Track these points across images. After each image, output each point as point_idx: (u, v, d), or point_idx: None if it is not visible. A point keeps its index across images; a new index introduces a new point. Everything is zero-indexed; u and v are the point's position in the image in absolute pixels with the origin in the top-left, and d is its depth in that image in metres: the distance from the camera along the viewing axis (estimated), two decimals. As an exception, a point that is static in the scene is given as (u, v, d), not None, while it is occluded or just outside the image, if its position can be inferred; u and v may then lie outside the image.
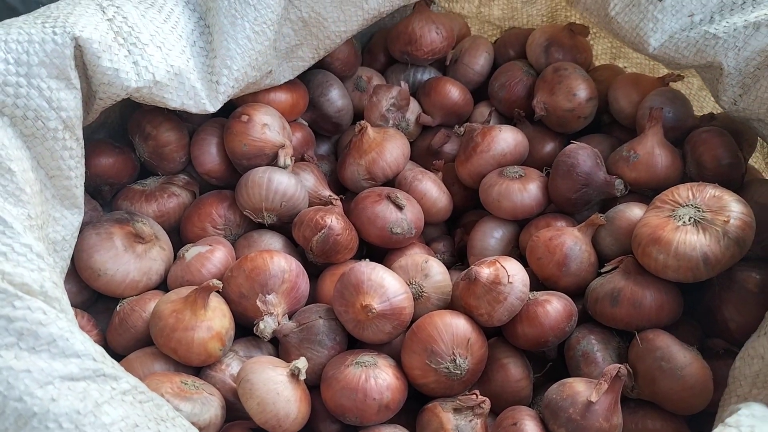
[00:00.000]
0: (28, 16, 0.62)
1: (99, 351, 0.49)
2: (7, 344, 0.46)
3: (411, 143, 0.98)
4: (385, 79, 1.03)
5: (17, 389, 0.45)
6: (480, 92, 1.01)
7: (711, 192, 0.67)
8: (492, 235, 0.83)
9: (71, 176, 0.64)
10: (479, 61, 0.99)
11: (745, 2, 0.73)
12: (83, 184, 0.66)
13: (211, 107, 0.73)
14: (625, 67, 0.97)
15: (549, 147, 0.91)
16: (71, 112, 0.61)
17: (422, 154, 0.97)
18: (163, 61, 0.67)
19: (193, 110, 0.72)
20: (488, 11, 1.02)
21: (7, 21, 0.60)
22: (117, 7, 0.67)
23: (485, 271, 0.68)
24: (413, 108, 0.97)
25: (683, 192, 0.68)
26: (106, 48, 0.62)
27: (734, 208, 0.65)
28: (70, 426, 0.45)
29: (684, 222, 0.65)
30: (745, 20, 0.71)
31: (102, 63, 0.62)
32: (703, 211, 0.65)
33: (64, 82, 0.60)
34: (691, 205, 0.67)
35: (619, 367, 0.60)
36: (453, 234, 0.91)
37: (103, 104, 0.66)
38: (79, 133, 0.64)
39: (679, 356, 0.62)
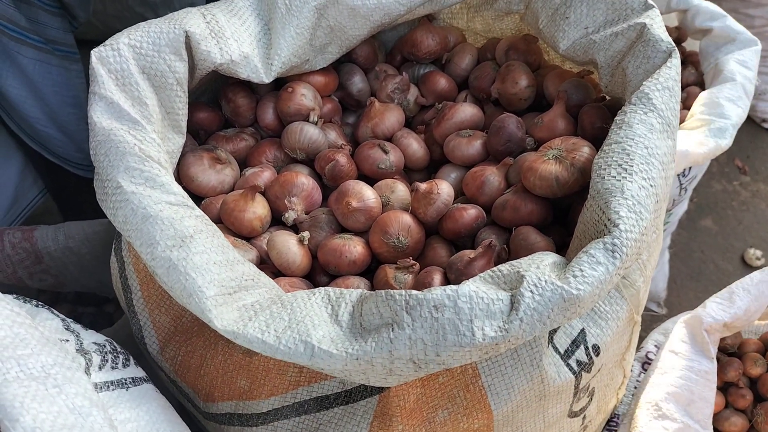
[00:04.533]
0: (162, 18, 1.07)
1: (185, 194, 0.92)
2: (139, 182, 0.89)
3: (411, 117, 1.38)
4: (399, 72, 1.43)
5: (144, 203, 0.88)
6: (465, 84, 1.39)
7: (573, 141, 1.03)
8: (449, 175, 1.21)
9: (179, 114, 1.08)
10: (465, 61, 1.37)
11: (618, 19, 1.08)
12: (186, 120, 1.10)
13: (267, 79, 1.15)
14: (570, 68, 1.33)
15: (504, 121, 1.27)
16: (181, 74, 1.06)
17: (418, 125, 1.37)
18: (237, 49, 1.11)
19: (255, 80, 1.15)
20: (473, 26, 1.40)
21: (149, 20, 1.06)
22: (213, 15, 1.11)
23: (423, 185, 1.07)
24: (413, 92, 1.36)
25: (556, 141, 1.04)
26: (203, 38, 1.07)
27: (583, 150, 1.00)
28: (168, 223, 0.87)
29: (548, 158, 1.01)
30: (612, 31, 1.06)
31: (201, 47, 1.06)
32: (562, 152, 1.01)
33: (178, 57, 1.04)
34: (557, 148, 1.03)
35: (491, 240, 0.97)
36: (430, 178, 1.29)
37: (201, 73, 1.10)
38: (186, 88, 1.07)
39: (532, 237, 0.98)
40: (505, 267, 0.83)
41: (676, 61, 0.95)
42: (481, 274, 0.83)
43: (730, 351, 1.48)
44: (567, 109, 1.14)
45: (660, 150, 0.88)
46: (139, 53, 1.01)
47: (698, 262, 2.33)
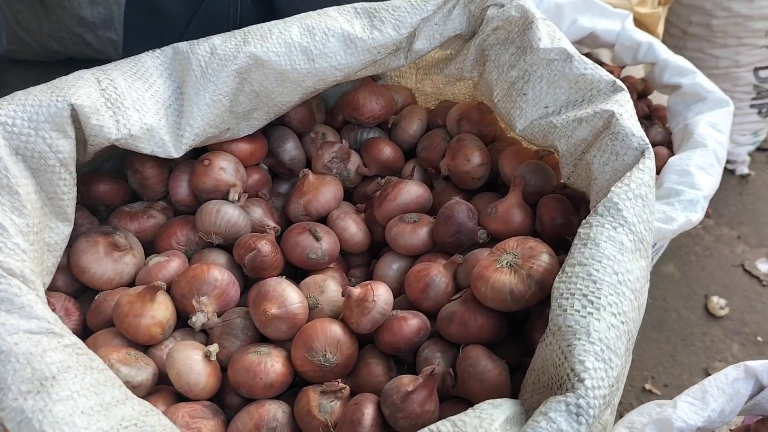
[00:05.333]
0: (43, 86, 0.89)
1: (53, 317, 0.74)
2: (-9, 306, 0.72)
3: (353, 188, 1.22)
4: (340, 135, 1.27)
5: (-6, 335, 0.70)
6: (413, 151, 1.24)
7: (530, 244, 0.88)
8: (390, 266, 1.05)
9: (64, 198, 0.90)
10: (413, 126, 1.22)
11: (583, 100, 0.93)
12: (74, 205, 0.92)
13: (176, 154, 0.98)
14: (517, 145, 1.18)
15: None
16: (66, 154, 0.87)
17: (361, 198, 1.21)
18: (138, 120, 0.93)
19: (161, 155, 0.97)
20: (422, 87, 1.25)
21: (28, 89, 0.88)
22: (110, 80, 0.94)
23: (356, 291, 0.91)
24: (354, 160, 1.20)
25: (511, 243, 0.89)
26: (95, 111, 0.89)
27: (542, 258, 0.85)
28: (24, 361, 0.69)
29: (502, 265, 0.86)
30: (576, 115, 0.92)
31: (90, 122, 0.88)
32: (518, 258, 0.86)
33: (62, 134, 0.86)
34: (512, 253, 0.87)
35: (433, 367, 0.80)
36: (371, 263, 1.14)
37: (93, 148, 0.92)
38: (72, 168, 0.90)
39: (482, 363, 0.82)
40: (446, 427, 0.67)
41: (650, 162, 0.81)
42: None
43: (699, 452, 1.35)
44: (524, 196, 0.99)
45: (632, 275, 0.74)
46: (11, 132, 0.83)
47: (660, 310, 2.23)
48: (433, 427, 0.68)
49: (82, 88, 0.89)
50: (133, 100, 0.94)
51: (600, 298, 0.70)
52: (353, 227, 1.09)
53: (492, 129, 1.16)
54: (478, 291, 0.87)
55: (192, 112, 0.98)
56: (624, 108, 0.87)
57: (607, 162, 0.85)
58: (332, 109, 1.31)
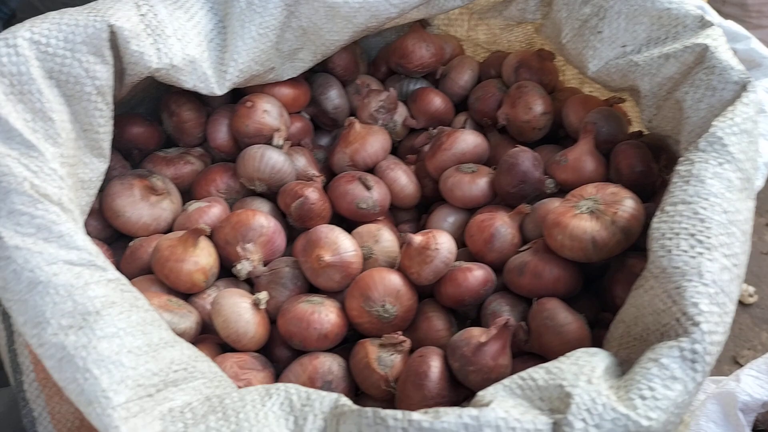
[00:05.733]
0: (79, 8, 0.81)
1: (95, 249, 0.67)
2: (28, 233, 0.64)
3: (398, 142, 1.14)
4: (384, 87, 1.19)
5: (31, 263, 0.62)
6: (463, 104, 1.16)
7: (611, 190, 0.80)
8: (446, 219, 0.98)
9: (100, 131, 0.82)
10: (464, 77, 1.14)
11: (667, 38, 0.85)
12: (110, 140, 0.84)
13: (219, 91, 0.91)
14: (590, 92, 1.10)
15: (510, 153, 1.04)
16: (103, 81, 0.80)
17: (407, 152, 1.13)
18: (180, 51, 0.86)
19: (204, 91, 0.90)
20: (475, 35, 1.17)
21: (63, 9, 0.80)
22: (150, 6, 0.86)
23: (418, 238, 0.83)
24: (401, 112, 1.13)
25: (589, 188, 0.82)
26: (135, 35, 0.81)
27: (626, 203, 0.78)
28: (65, 293, 0.62)
29: (582, 211, 0.79)
30: (661, 51, 0.84)
31: (131, 47, 0.81)
32: (599, 204, 0.79)
33: (100, 58, 0.78)
34: (592, 199, 0.80)
35: (508, 318, 0.73)
36: (421, 219, 1.06)
37: (131, 80, 0.85)
38: (110, 99, 0.82)
39: (561, 316, 0.75)
40: (539, 374, 0.60)
41: (753, 95, 0.73)
42: (506, 383, 0.60)
43: (760, 429, 1.27)
44: (596, 144, 0.92)
45: (741, 215, 0.66)
46: (44, 52, 0.75)
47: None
48: (524, 373, 0.60)
49: (121, 10, 0.81)
50: (175, 29, 0.86)
51: (710, 238, 0.63)
52: (404, 178, 1.01)
53: (553, 77, 1.08)
54: (554, 240, 0.79)
55: (237, 46, 0.90)
56: (717, 42, 0.79)
57: (701, 98, 0.77)
58: (374, 60, 1.23)
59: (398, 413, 0.55)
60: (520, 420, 0.54)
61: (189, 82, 0.88)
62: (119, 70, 0.83)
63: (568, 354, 0.63)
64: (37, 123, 0.73)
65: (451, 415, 0.54)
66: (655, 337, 0.63)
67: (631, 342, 0.68)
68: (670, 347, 0.58)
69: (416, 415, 0.54)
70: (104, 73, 0.80)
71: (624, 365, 0.64)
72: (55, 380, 0.60)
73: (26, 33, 0.74)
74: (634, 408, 0.54)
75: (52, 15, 0.78)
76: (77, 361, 0.59)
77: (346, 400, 0.59)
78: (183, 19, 0.88)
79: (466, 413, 0.54)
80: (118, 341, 0.61)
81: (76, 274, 0.63)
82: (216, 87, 0.90)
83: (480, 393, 0.59)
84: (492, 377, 0.72)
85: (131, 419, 0.57)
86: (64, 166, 0.73)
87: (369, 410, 0.56)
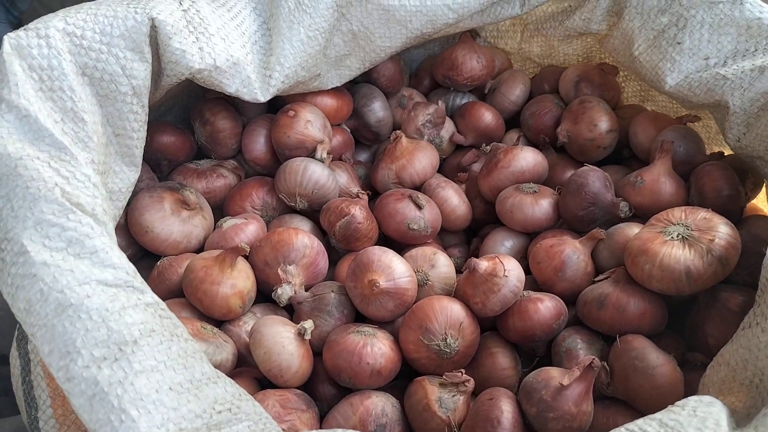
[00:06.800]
0: (118, -1, 0.74)
1: (132, 268, 0.58)
2: (57, 248, 0.56)
3: (443, 159, 1.06)
4: (428, 100, 1.11)
5: (60, 283, 0.54)
6: (513, 121, 1.08)
7: (702, 215, 0.72)
8: (503, 243, 0.89)
9: (133, 137, 0.74)
10: (515, 92, 1.07)
11: (757, 50, 0.78)
12: (143, 147, 0.76)
13: (262, 97, 0.83)
14: (652, 110, 1.03)
15: (569, 174, 0.96)
16: (141, 81, 0.72)
17: (452, 171, 1.05)
18: (224, 51, 0.78)
19: (246, 97, 0.82)
20: (528, 48, 1.10)
21: (99, 0, 0.72)
22: (192, 2, 0.78)
23: (483, 264, 0.75)
24: (448, 127, 1.05)
25: (677, 213, 0.73)
26: (177, 32, 0.73)
27: (722, 230, 0.69)
28: (98, 319, 0.53)
29: (672, 237, 0.70)
30: (753, 64, 0.76)
31: (172, 44, 0.73)
32: (692, 230, 0.70)
33: (138, 55, 0.71)
34: (682, 224, 0.72)
35: (593, 359, 0.64)
36: (470, 243, 0.97)
37: (169, 81, 0.77)
38: (146, 101, 0.74)
39: (652, 357, 0.66)
40: (652, 427, 0.51)
41: None
42: (611, 437, 0.51)
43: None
44: (672, 165, 0.84)
45: None
46: (79, 45, 0.68)
47: None
48: (632, 425, 0.52)
49: (163, 3, 0.74)
50: (218, 28, 0.79)
51: None
52: (456, 198, 0.93)
53: (615, 94, 1.00)
54: (639, 269, 0.71)
55: (283, 49, 0.83)
56: (821, 54, 0.72)
57: (807, 115, 0.69)
58: (417, 72, 1.16)
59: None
60: (644, 486, 0.45)
61: (232, 87, 0.80)
62: (156, 71, 0.76)
63: (680, 403, 0.54)
64: (67, 124, 0.65)
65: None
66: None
67: (737, 388, 0.59)
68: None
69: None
70: (142, 72, 0.72)
71: (734, 416, 0.56)
72: (84, 421, 0.51)
73: (60, 23, 0.66)
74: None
75: (88, 5, 0.70)
76: (112, 400, 0.50)
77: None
78: (226, 18, 0.81)
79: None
80: (159, 377, 0.53)
81: (112, 297, 0.55)
82: (259, 93, 0.82)
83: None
84: (574, 426, 0.63)
85: (172, 470, 0.49)
86: (96, 174, 0.65)
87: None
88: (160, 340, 0.55)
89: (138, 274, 0.59)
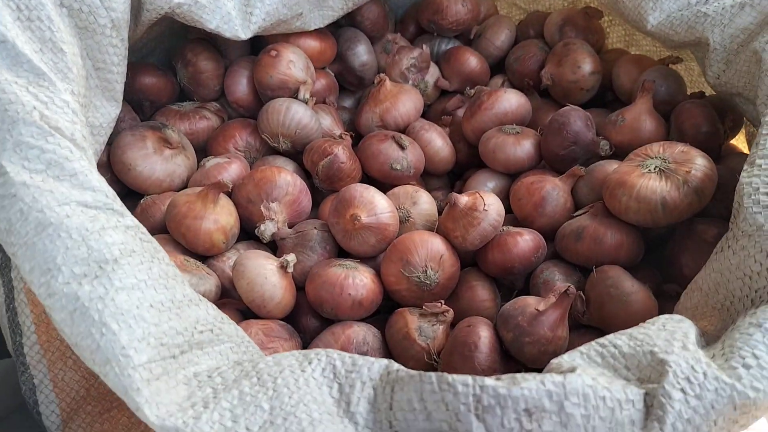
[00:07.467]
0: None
1: (111, 192, 0.58)
2: (37, 169, 0.56)
3: (428, 105, 1.06)
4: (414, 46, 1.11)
5: (40, 203, 0.54)
6: (499, 67, 1.08)
7: (680, 148, 0.73)
8: (485, 184, 0.90)
9: (113, 71, 0.74)
10: (500, 37, 1.06)
11: (738, -14, 0.78)
12: (123, 82, 0.76)
13: (243, 34, 0.82)
14: (635, 53, 1.03)
15: (553, 117, 0.97)
16: (120, 13, 0.71)
17: (437, 116, 1.05)
18: (205, -14, 0.78)
19: (227, 34, 0.81)
20: (514, -8, 1.10)
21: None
22: (172, -65, 0.77)
23: (464, 198, 0.75)
24: (433, 72, 1.05)
25: (655, 147, 0.74)
26: (157, -37, 0.73)
27: (698, 162, 0.70)
28: (78, 238, 0.53)
29: (650, 170, 0.71)
30: (733, 0, 0.76)
31: (152, -25, 0.73)
32: (669, 163, 0.71)
33: (117, -15, 0.71)
34: (660, 157, 0.72)
35: (569, 286, 0.65)
36: (454, 186, 0.98)
37: (149, 16, 0.76)
38: (125, 35, 0.74)
39: (626, 284, 0.67)
40: (622, 340, 0.52)
41: None
42: (582, 350, 0.52)
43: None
44: (654, 105, 0.84)
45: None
46: (56, -26, 0.67)
47: None
48: (603, 340, 0.53)
49: (142, -65, 0.73)
50: (199, -38, 0.78)
51: (812, 192, 0.56)
52: (439, 140, 0.93)
53: (599, 37, 1.01)
54: (617, 201, 0.72)
55: (265, -14, 0.82)
56: (802, -13, 0.72)
57: (785, 49, 0.70)
58: (403, 18, 1.15)
59: (468, 378, 0.47)
60: (609, 389, 0.46)
61: (212, 22, 0.79)
62: (135, 6, 0.75)
63: (650, 320, 0.56)
64: (45, 54, 0.65)
65: (531, 381, 0.46)
66: (744, 304, 0.56)
67: (709, 312, 0.61)
68: (772, 311, 0.50)
69: (490, 381, 0.46)
70: (120, 5, 0.71)
71: (704, 337, 0.57)
72: (65, 335, 0.52)
73: (35, -49, 0.65)
74: (739, 378, 0.47)
75: None
76: (92, 314, 0.51)
77: (399, 366, 0.51)
78: (206, -47, 0.80)
79: (549, 379, 0.46)
80: (139, 294, 0.53)
81: (91, 218, 0.55)
82: (240, 30, 0.82)
83: (555, 361, 0.52)
84: (549, 350, 0.65)
85: (154, 382, 0.50)
86: (75, 102, 0.65)
87: (432, 375, 0.48)
88: (140, 260, 0.56)
89: (118, 198, 0.59)
